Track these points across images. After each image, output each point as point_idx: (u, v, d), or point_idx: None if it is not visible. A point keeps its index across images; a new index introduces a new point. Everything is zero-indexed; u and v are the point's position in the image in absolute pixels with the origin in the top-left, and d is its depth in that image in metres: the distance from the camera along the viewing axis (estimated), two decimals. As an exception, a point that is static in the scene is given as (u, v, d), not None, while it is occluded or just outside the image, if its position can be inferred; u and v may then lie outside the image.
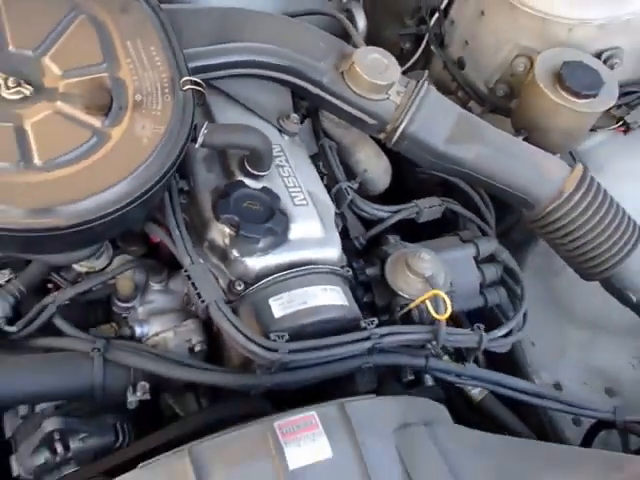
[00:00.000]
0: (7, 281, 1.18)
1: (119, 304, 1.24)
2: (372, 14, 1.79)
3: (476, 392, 1.42)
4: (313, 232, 1.25)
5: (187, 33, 1.28)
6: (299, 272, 1.20)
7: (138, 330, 1.22)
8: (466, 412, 1.42)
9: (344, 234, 1.38)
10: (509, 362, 1.61)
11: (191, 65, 1.24)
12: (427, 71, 1.50)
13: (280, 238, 1.20)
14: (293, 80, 1.33)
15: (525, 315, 1.38)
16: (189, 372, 1.14)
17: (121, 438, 1.21)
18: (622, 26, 1.46)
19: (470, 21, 1.59)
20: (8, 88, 1.11)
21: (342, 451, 0.98)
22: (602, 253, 1.33)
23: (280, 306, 1.17)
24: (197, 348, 1.20)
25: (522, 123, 1.47)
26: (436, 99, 1.34)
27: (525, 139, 1.44)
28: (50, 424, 1.16)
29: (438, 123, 1.32)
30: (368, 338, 1.17)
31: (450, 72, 1.64)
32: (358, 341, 1.17)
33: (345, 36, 1.49)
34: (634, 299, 1.39)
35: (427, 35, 1.69)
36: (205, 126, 1.16)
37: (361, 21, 1.69)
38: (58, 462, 1.17)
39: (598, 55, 1.48)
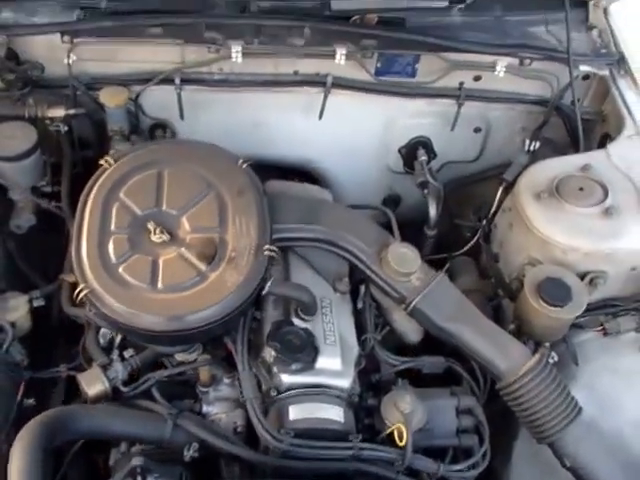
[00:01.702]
0: (130, 356, 1.81)
1: (200, 388, 1.84)
2: (451, 204, 2.36)
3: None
4: (333, 365, 1.79)
5: (281, 213, 1.88)
6: (315, 392, 1.76)
7: (205, 409, 1.81)
8: None
9: (370, 370, 1.92)
10: None
11: (279, 235, 1.83)
12: (448, 264, 2.00)
13: (308, 365, 1.76)
14: (347, 256, 1.90)
15: (485, 456, 1.82)
16: (224, 444, 1.70)
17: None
18: (605, 257, 1.93)
19: (504, 229, 2.11)
20: (155, 234, 1.75)
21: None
22: (543, 424, 1.76)
23: (295, 412, 1.73)
24: (239, 429, 1.78)
25: (518, 314, 1.94)
26: (446, 287, 1.87)
27: (517, 327, 1.92)
28: (136, 460, 1.70)
29: (441, 305, 1.84)
30: (350, 448, 1.69)
31: (488, 263, 2.15)
32: (342, 448, 1.69)
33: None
34: (568, 464, 1.79)
35: (479, 231, 2.22)
36: (271, 280, 1.76)
37: (433, 210, 2.26)
38: None
39: (585, 274, 1.93)
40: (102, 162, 1.86)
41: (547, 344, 1.91)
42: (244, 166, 1.90)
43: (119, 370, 1.79)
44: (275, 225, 1.84)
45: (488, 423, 1.89)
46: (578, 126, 2.23)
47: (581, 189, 1.99)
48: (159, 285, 1.69)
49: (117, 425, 1.75)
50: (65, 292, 1.89)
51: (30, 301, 1.93)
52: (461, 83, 2.30)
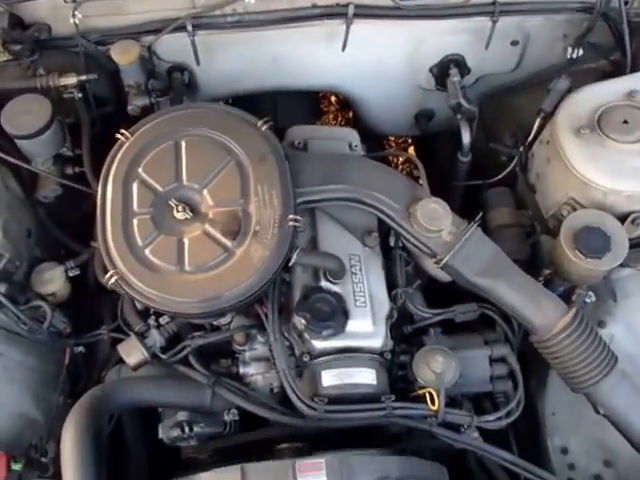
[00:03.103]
0: (166, 322, 1.86)
1: (236, 347, 1.90)
2: (487, 117, 2.25)
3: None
4: (364, 327, 1.81)
5: (304, 174, 1.83)
6: (347, 357, 1.79)
7: (242, 370, 1.88)
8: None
9: (402, 320, 1.93)
10: (533, 422, 2.07)
11: (303, 199, 1.80)
12: (481, 214, 1.89)
13: (339, 330, 1.78)
14: (376, 213, 1.86)
15: (519, 404, 1.86)
16: (259, 409, 1.78)
17: (227, 430, 1.90)
18: (648, 197, 1.83)
19: (541, 162, 2.02)
20: (178, 211, 1.73)
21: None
22: (578, 377, 1.77)
23: (328, 378, 1.78)
24: (275, 390, 1.85)
25: (554, 259, 1.89)
26: (478, 241, 1.82)
27: (551, 273, 1.89)
28: (181, 415, 1.88)
29: (474, 260, 1.80)
30: (383, 409, 1.74)
31: (524, 192, 2.08)
32: (375, 410, 1.74)
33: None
34: (602, 412, 1.81)
35: (515, 158, 2.13)
36: (297, 252, 1.74)
37: (466, 136, 2.17)
38: (185, 437, 1.89)
39: (627, 215, 1.84)
40: (118, 136, 1.82)
41: (584, 286, 1.89)
42: (264, 128, 1.83)
43: (156, 338, 1.85)
44: (299, 189, 1.80)
45: (525, 348, 1.91)
46: (625, 34, 2.06)
47: (626, 122, 1.86)
48: (187, 266, 1.70)
49: (160, 396, 1.85)
50: (98, 262, 1.91)
51: (66, 271, 1.98)
52: None
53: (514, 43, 2.25)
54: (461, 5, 2.11)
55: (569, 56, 2.16)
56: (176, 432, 1.89)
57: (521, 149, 2.11)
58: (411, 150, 3.11)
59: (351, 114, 2.91)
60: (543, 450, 2.03)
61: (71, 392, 1.99)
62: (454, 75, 2.22)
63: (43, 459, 1.80)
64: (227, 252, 1.71)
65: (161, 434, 1.92)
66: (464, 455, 1.94)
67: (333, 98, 3.05)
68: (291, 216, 1.74)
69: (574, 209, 1.91)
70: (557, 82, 2.02)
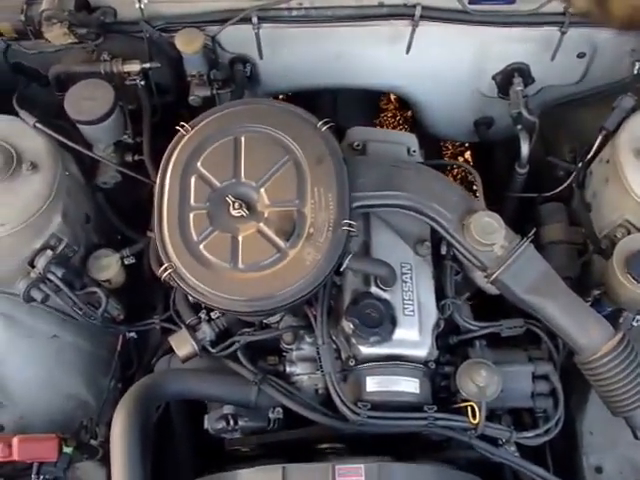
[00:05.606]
0: (217, 317, 1.88)
1: (283, 345, 1.92)
2: (546, 128, 2.22)
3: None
4: (411, 336, 1.82)
5: (361, 179, 1.82)
6: (392, 365, 1.81)
7: (288, 369, 1.90)
8: None
9: (448, 331, 1.94)
10: (571, 440, 2.07)
11: (359, 203, 1.80)
12: (535, 230, 1.87)
13: (386, 337, 1.79)
14: (429, 222, 1.85)
15: (558, 422, 1.87)
16: (302, 409, 1.80)
17: (271, 426, 1.92)
18: None
19: (599, 181, 2.00)
20: (235, 208, 1.74)
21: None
22: (619, 400, 1.78)
23: (372, 384, 1.80)
24: (320, 391, 1.88)
25: (605, 279, 1.89)
26: (529, 258, 1.80)
27: (601, 294, 1.88)
28: (227, 409, 1.91)
29: (524, 277, 1.79)
30: (425, 419, 1.76)
31: (579, 209, 2.06)
32: (417, 419, 1.77)
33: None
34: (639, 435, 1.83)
35: (573, 174, 2.11)
36: (349, 257, 1.75)
37: (525, 148, 2.15)
38: (229, 429, 1.92)
39: (681, 242, 1.83)
40: (178, 128, 1.82)
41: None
42: (324, 129, 1.82)
43: (207, 332, 1.88)
44: (355, 193, 1.79)
45: (568, 365, 1.91)
46: None
47: None
48: (240, 264, 1.71)
49: (207, 389, 1.89)
50: (153, 252, 1.91)
51: (122, 259, 2.01)
52: (566, 7, 2.07)
53: (581, 55, 2.21)
54: (531, 13, 2.07)
55: (635, 72, 2.14)
56: (221, 424, 1.93)
57: (579, 165, 2.09)
58: (467, 155, 3.10)
59: (410, 113, 2.88)
60: (578, 467, 2.04)
61: (122, 377, 2.04)
62: (517, 84, 2.19)
63: (93, 441, 1.83)
64: (280, 253, 1.71)
65: (207, 425, 1.96)
66: (501, 468, 1.96)
67: (392, 96, 3.03)
68: (345, 221, 1.73)
69: (629, 232, 1.90)
70: (622, 100, 1.97)
